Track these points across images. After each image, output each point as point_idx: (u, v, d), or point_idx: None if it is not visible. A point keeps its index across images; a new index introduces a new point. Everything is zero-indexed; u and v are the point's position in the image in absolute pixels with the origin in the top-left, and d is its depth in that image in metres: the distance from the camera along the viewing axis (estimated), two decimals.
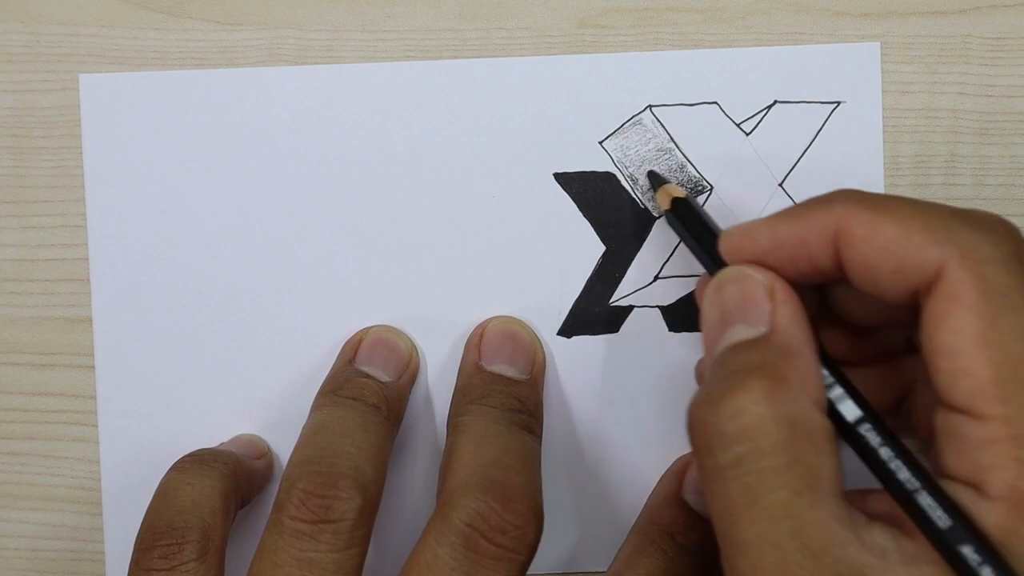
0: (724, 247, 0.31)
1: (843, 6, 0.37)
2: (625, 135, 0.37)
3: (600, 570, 0.37)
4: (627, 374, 0.37)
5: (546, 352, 0.37)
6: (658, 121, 0.37)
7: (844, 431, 0.28)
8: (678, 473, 0.35)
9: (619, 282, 0.37)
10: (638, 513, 0.35)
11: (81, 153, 0.37)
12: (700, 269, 0.37)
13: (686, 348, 0.37)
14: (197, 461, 0.34)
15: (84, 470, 0.38)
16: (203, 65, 0.37)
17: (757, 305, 0.29)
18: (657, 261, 0.37)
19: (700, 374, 0.35)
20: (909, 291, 0.27)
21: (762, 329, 0.28)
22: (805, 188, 0.37)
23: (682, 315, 0.37)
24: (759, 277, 0.29)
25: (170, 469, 0.34)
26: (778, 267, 0.29)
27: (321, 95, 0.37)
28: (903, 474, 0.27)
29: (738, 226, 0.31)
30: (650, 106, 0.37)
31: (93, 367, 0.37)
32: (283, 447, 0.36)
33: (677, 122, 0.37)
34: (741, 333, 0.29)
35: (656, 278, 0.37)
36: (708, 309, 0.30)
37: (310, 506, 0.30)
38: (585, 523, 0.37)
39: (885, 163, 0.37)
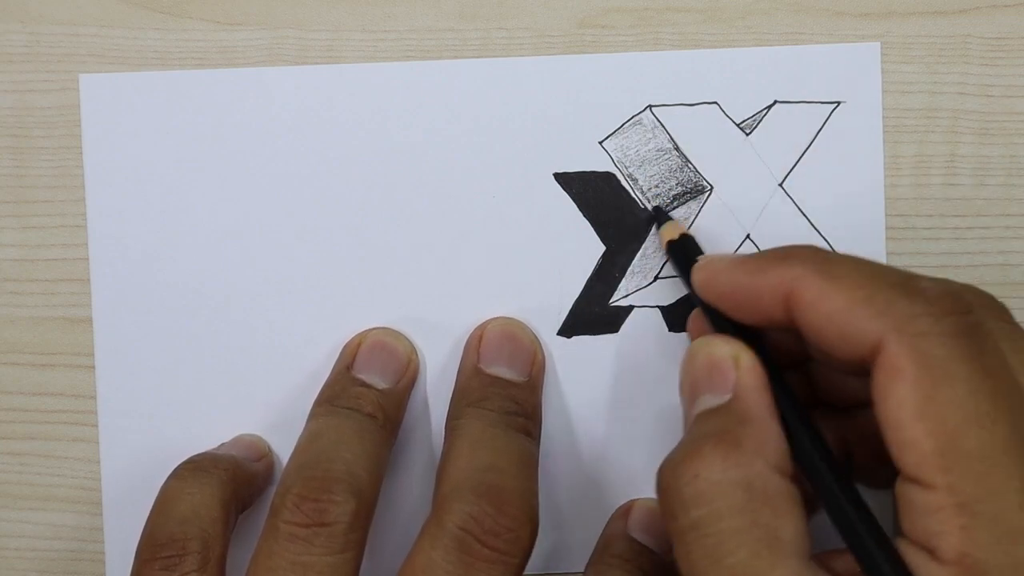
0: (695, 282, 0.32)
1: (843, 6, 0.37)
2: (625, 135, 0.37)
3: None
4: (627, 374, 0.37)
5: (546, 352, 0.37)
6: (658, 121, 0.37)
7: (813, 485, 0.29)
8: (624, 515, 0.36)
9: (619, 282, 0.37)
10: (655, 481, 0.35)
11: (81, 153, 0.37)
12: None
13: (686, 348, 0.37)
14: (196, 468, 0.34)
15: (84, 470, 0.38)
16: (203, 65, 0.37)
17: (722, 374, 0.30)
18: (657, 261, 0.37)
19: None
20: (856, 358, 0.27)
21: (726, 397, 0.29)
22: (805, 188, 0.37)
23: (682, 315, 0.37)
24: (725, 348, 0.30)
25: (169, 477, 0.34)
26: (738, 311, 0.31)
27: (321, 95, 0.37)
28: (859, 528, 0.27)
29: (706, 262, 0.32)
30: (650, 106, 0.37)
31: (93, 367, 0.37)
32: (284, 447, 0.36)
33: (677, 122, 0.37)
34: (708, 402, 0.30)
35: (656, 278, 0.37)
36: (682, 378, 0.31)
37: (304, 510, 0.30)
38: (584, 523, 0.37)
39: (885, 163, 0.37)
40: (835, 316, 0.27)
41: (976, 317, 0.27)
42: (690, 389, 0.31)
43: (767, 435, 0.28)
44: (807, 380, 0.33)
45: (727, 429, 0.28)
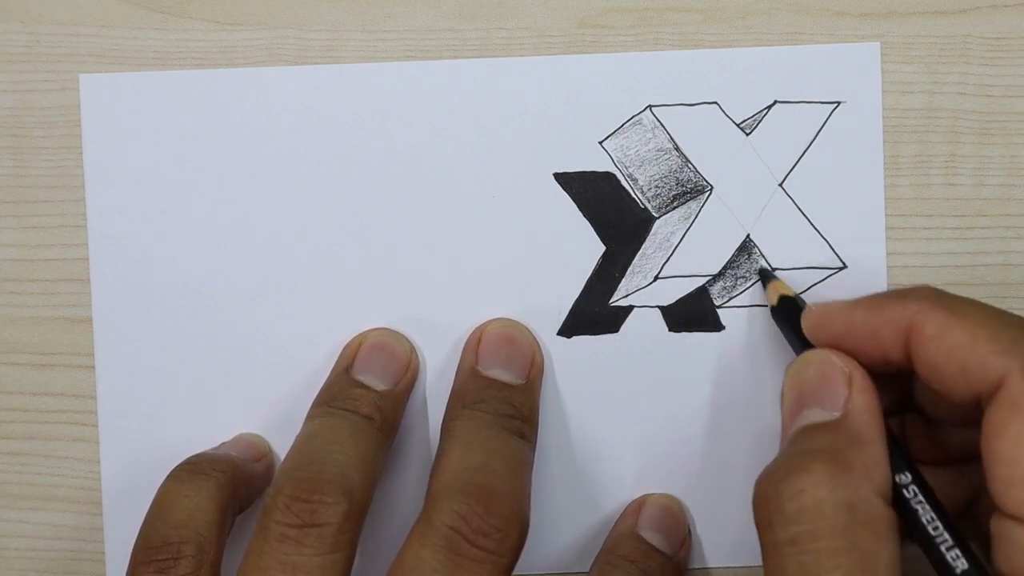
0: (805, 325, 0.32)
1: (843, 6, 0.37)
2: (625, 135, 0.37)
3: None
4: (627, 374, 0.37)
5: (546, 352, 0.37)
6: (658, 121, 0.37)
7: (907, 520, 0.29)
8: (635, 512, 0.36)
9: (619, 282, 0.37)
10: (752, 492, 0.35)
11: (81, 153, 0.37)
12: (702, 268, 0.37)
13: (686, 348, 0.37)
14: (193, 470, 0.34)
15: (84, 470, 0.38)
16: (203, 65, 0.37)
17: (834, 390, 0.30)
18: (657, 261, 0.37)
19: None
20: (973, 395, 0.28)
21: (836, 414, 0.30)
22: (805, 188, 0.37)
23: (682, 315, 0.37)
24: (839, 363, 0.30)
25: (167, 478, 0.34)
26: (853, 352, 0.31)
27: (321, 95, 0.37)
28: (957, 563, 0.28)
29: (818, 306, 0.32)
30: (650, 106, 0.37)
31: (93, 367, 0.37)
32: (284, 447, 0.36)
33: (677, 122, 0.37)
34: (815, 416, 0.30)
35: (656, 278, 0.37)
36: (788, 387, 0.31)
37: (295, 511, 0.31)
38: (584, 523, 0.37)
39: (885, 163, 0.37)
40: (957, 351, 0.28)
41: None
42: (797, 399, 0.31)
43: (876, 459, 0.28)
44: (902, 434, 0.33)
45: (836, 448, 0.28)
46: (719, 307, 0.37)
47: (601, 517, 0.37)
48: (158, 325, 0.37)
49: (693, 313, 0.37)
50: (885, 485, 0.28)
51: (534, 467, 0.34)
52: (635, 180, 0.37)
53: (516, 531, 0.30)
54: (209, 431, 0.37)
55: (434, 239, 0.37)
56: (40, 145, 0.38)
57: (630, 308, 0.37)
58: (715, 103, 0.37)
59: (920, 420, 0.33)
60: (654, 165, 0.37)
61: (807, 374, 0.31)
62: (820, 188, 0.37)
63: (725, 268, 0.37)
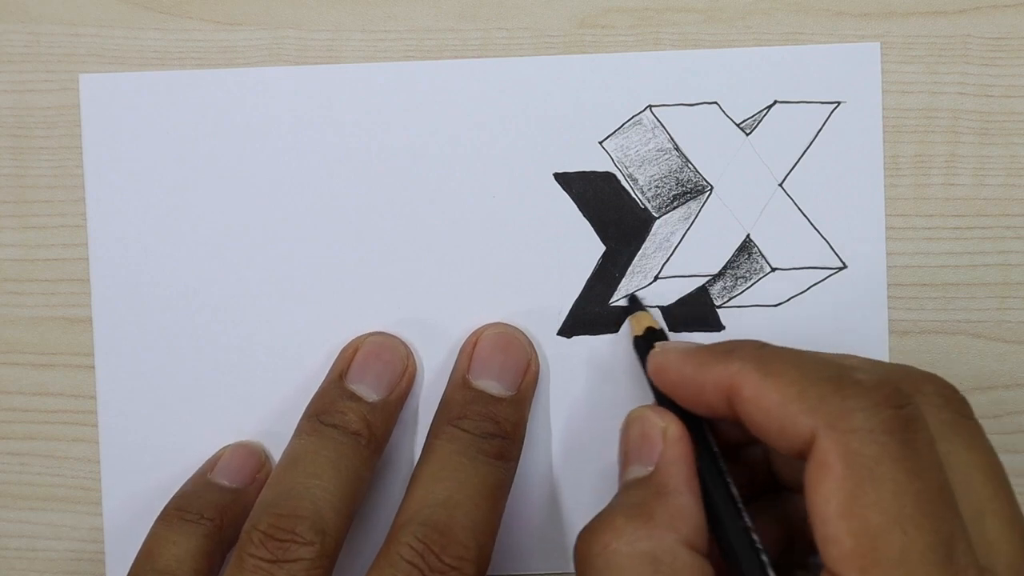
0: (649, 370, 0.33)
1: (843, 6, 0.37)
2: (625, 135, 0.37)
3: None
4: (627, 374, 0.37)
5: (546, 352, 0.37)
6: (658, 121, 0.37)
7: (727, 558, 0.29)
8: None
9: (619, 282, 0.37)
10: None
11: (81, 153, 0.37)
12: (702, 268, 0.37)
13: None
14: (183, 517, 0.34)
15: (84, 470, 0.38)
16: (203, 65, 0.37)
17: (650, 445, 0.31)
18: (657, 261, 0.37)
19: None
20: (795, 452, 0.28)
21: (650, 468, 0.30)
22: (805, 188, 0.37)
23: (682, 315, 0.37)
24: (655, 420, 0.31)
25: (157, 519, 0.35)
26: (685, 401, 0.31)
27: (321, 95, 0.37)
28: None
29: (659, 350, 0.33)
30: (650, 106, 0.37)
31: (93, 367, 0.37)
32: (282, 448, 0.36)
33: (677, 122, 0.37)
34: (634, 472, 0.31)
35: (656, 278, 0.37)
36: (619, 446, 0.32)
37: (269, 547, 0.32)
38: (582, 522, 0.37)
39: (885, 163, 0.37)
40: (771, 412, 0.28)
41: (912, 410, 0.27)
42: (623, 458, 0.32)
43: (681, 508, 0.29)
44: (763, 459, 0.33)
45: (643, 502, 0.29)
46: (719, 307, 0.37)
47: None
48: (158, 325, 0.37)
49: (693, 313, 0.37)
50: (694, 533, 0.29)
51: (531, 468, 0.34)
52: (635, 180, 0.37)
53: (472, 568, 0.31)
54: (209, 431, 0.37)
55: (434, 239, 0.37)
56: (40, 145, 0.38)
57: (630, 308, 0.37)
58: (715, 103, 0.37)
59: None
60: (654, 165, 0.37)
61: (631, 432, 0.32)
62: (820, 188, 0.37)
63: (725, 268, 0.37)
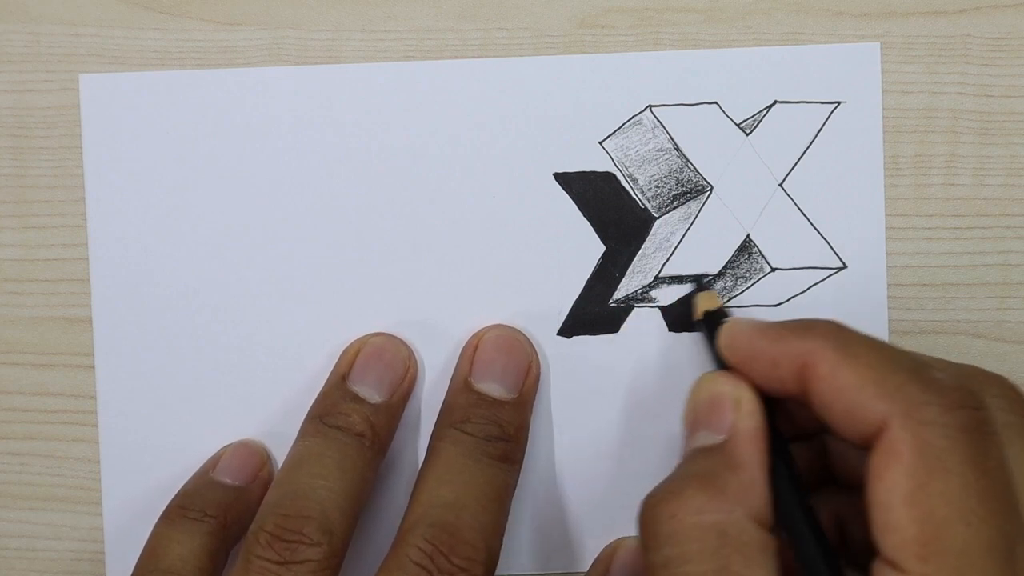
0: (720, 343, 0.32)
1: (843, 6, 0.37)
2: (625, 135, 0.37)
3: None
4: (627, 374, 0.37)
5: (546, 352, 0.37)
6: (658, 121, 0.37)
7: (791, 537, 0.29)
8: (606, 559, 0.37)
9: (619, 282, 0.37)
10: (637, 512, 0.35)
11: (81, 153, 0.37)
12: (702, 268, 0.37)
13: (686, 348, 0.37)
14: (185, 516, 0.34)
15: (84, 470, 0.38)
16: (203, 65, 0.37)
17: (721, 414, 0.30)
18: (657, 261, 0.37)
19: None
20: (859, 436, 0.28)
21: (720, 437, 0.30)
22: (805, 188, 0.37)
23: (682, 315, 0.37)
24: (728, 387, 0.31)
25: (160, 518, 0.35)
26: (757, 377, 0.31)
27: (321, 95, 0.37)
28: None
29: (731, 325, 0.32)
30: (650, 106, 0.37)
31: (93, 367, 0.37)
32: (283, 448, 0.36)
33: (677, 122, 0.37)
34: (703, 439, 0.30)
35: (656, 278, 0.37)
36: (686, 409, 0.32)
37: (276, 548, 0.32)
38: (584, 522, 0.37)
39: (885, 163, 0.37)
40: (845, 392, 0.28)
41: (986, 414, 0.27)
42: (690, 422, 0.31)
43: (751, 483, 0.29)
44: (821, 453, 0.33)
45: (714, 472, 0.29)
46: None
47: (600, 517, 0.37)
48: (158, 325, 0.37)
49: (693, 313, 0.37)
50: (762, 509, 0.28)
51: (533, 468, 0.35)
52: (635, 180, 0.37)
53: (481, 569, 0.31)
54: (209, 431, 0.37)
55: (434, 239, 0.37)
56: (40, 145, 0.38)
57: (630, 308, 0.37)
58: (715, 103, 0.37)
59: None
60: (654, 165, 0.37)
61: (700, 397, 0.31)
62: (820, 188, 0.37)
63: (725, 268, 0.37)
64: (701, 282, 0.37)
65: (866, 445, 0.28)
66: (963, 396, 0.27)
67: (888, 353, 0.28)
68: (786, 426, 0.32)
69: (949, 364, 0.30)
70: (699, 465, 0.29)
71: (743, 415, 0.30)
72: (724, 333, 0.32)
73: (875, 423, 0.27)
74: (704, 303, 0.35)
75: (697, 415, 0.31)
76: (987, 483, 0.26)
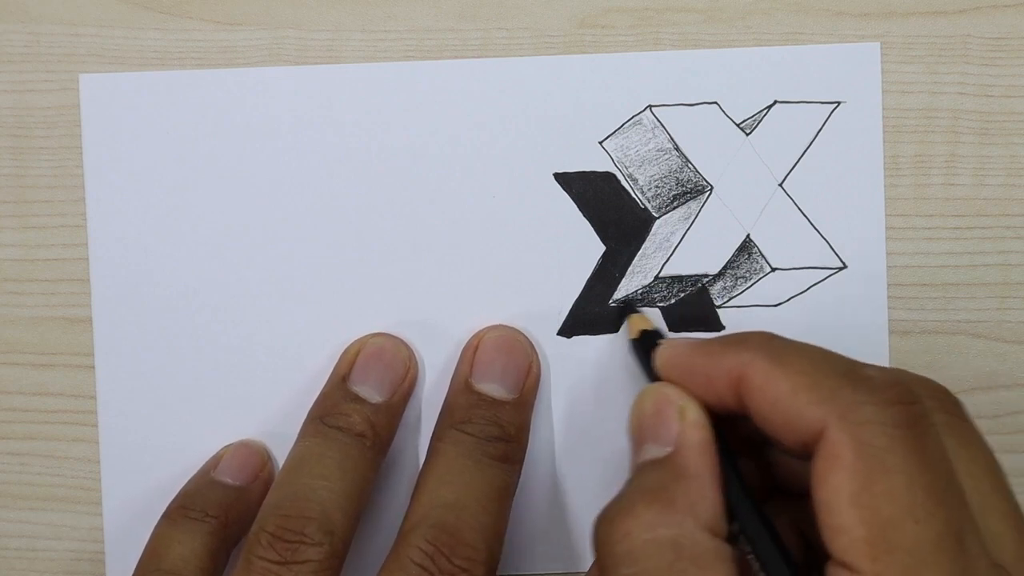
0: (657, 362, 0.32)
1: (843, 6, 0.37)
2: (625, 135, 0.37)
3: None
4: (627, 374, 0.37)
5: (546, 352, 0.37)
6: (658, 121, 0.37)
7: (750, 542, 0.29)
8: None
9: (619, 282, 0.37)
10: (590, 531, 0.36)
11: (81, 153, 0.37)
12: (702, 268, 0.37)
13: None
14: (186, 515, 0.34)
15: (84, 470, 0.38)
16: (203, 65, 0.37)
17: (667, 425, 0.30)
18: (657, 261, 0.37)
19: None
20: (800, 443, 0.28)
21: (668, 449, 0.30)
22: (805, 188, 0.37)
23: (682, 315, 0.37)
24: (673, 397, 0.31)
25: (162, 517, 0.35)
26: (696, 395, 0.31)
27: (321, 95, 0.37)
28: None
29: (667, 345, 0.32)
30: (650, 106, 0.37)
31: (93, 367, 0.37)
32: (283, 448, 0.36)
33: (677, 122, 0.37)
34: (650, 451, 0.30)
35: (656, 278, 0.37)
36: (630, 421, 0.32)
37: (277, 549, 0.32)
38: (584, 522, 0.37)
39: (885, 163, 0.37)
40: (780, 401, 0.28)
41: (921, 408, 0.27)
42: (636, 435, 0.31)
43: (701, 493, 0.29)
44: (768, 465, 0.33)
45: (663, 485, 0.29)
46: (719, 307, 0.37)
47: None
48: (158, 325, 0.37)
49: (693, 313, 0.37)
50: (713, 519, 0.28)
51: (533, 468, 0.35)
52: (635, 180, 0.37)
53: (482, 569, 0.32)
54: (209, 431, 0.37)
55: (434, 239, 0.37)
56: (40, 145, 0.38)
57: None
58: (715, 103, 0.37)
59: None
60: (654, 165, 0.37)
61: (644, 409, 0.31)
62: (820, 188, 0.37)
63: (725, 268, 0.37)
64: (632, 305, 0.37)
65: (808, 453, 0.27)
66: (898, 392, 0.27)
67: (819, 357, 0.28)
68: (731, 440, 0.32)
69: (880, 367, 0.29)
70: (647, 479, 0.29)
71: (688, 425, 0.30)
72: (660, 352, 0.32)
73: (813, 429, 0.27)
74: (638, 324, 0.36)
75: (642, 428, 0.31)
76: (931, 477, 0.26)
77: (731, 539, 0.29)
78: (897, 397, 0.27)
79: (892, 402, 0.27)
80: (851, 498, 0.26)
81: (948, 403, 0.29)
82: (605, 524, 0.29)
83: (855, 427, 0.26)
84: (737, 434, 0.32)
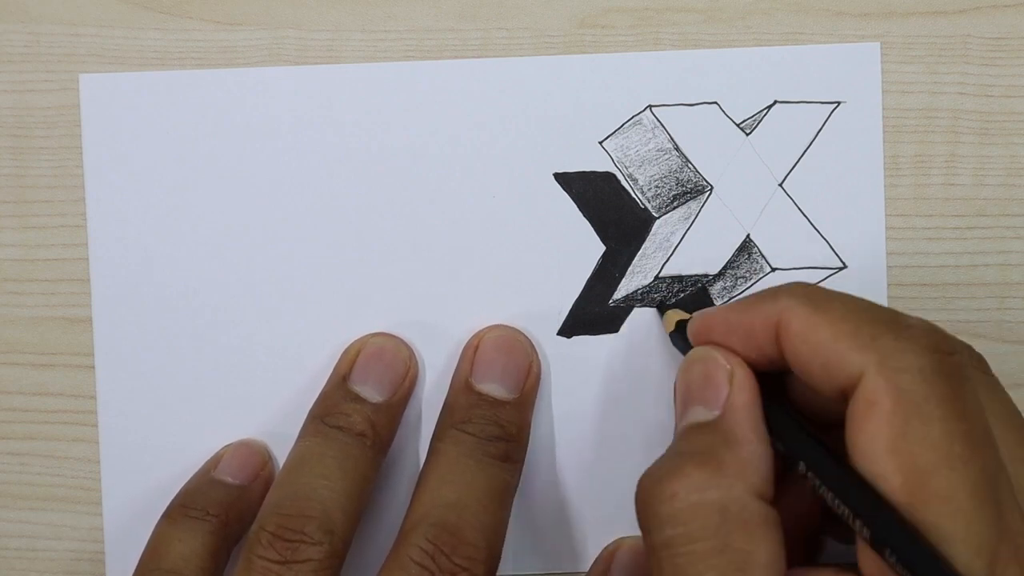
0: (690, 332, 0.32)
1: (843, 6, 0.37)
2: (625, 135, 0.37)
3: None
4: (627, 374, 0.37)
5: (546, 352, 0.37)
6: (658, 121, 0.37)
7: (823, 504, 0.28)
8: (606, 559, 0.37)
9: (619, 282, 0.37)
10: (635, 492, 0.35)
11: (81, 153, 0.37)
12: (702, 268, 0.37)
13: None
14: (187, 515, 0.35)
15: (84, 470, 0.38)
16: (203, 65, 0.37)
17: (715, 388, 0.30)
18: (657, 261, 0.37)
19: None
20: (837, 389, 0.28)
21: (716, 413, 0.30)
22: (805, 188, 0.37)
23: None
24: (721, 360, 0.30)
25: (162, 516, 0.35)
26: (736, 349, 0.31)
27: (321, 95, 0.37)
28: (864, 531, 0.27)
29: (699, 313, 0.32)
30: (650, 106, 0.37)
31: (93, 367, 0.37)
32: (284, 448, 0.36)
33: (677, 122, 0.37)
34: (697, 415, 0.30)
35: (656, 278, 0.37)
36: (677, 385, 0.31)
37: (277, 548, 0.32)
38: (584, 522, 0.37)
39: (885, 163, 0.37)
40: (820, 347, 0.28)
41: (960, 359, 0.27)
42: (683, 398, 0.31)
43: (750, 458, 0.28)
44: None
45: (711, 449, 0.29)
46: None
47: (601, 517, 0.37)
48: (158, 325, 0.37)
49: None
50: (762, 483, 0.28)
51: (534, 468, 0.35)
52: (635, 180, 0.37)
53: (482, 568, 0.32)
54: (209, 431, 0.37)
55: (434, 239, 0.37)
56: (40, 145, 0.38)
57: (630, 308, 0.37)
58: (715, 103, 0.37)
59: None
60: (654, 165, 0.37)
61: (693, 372, 0.31)
62: (820, 188, 0.37)
63: (725, 268, 0.37)
64: (661, 305, 0.37)
65: (845, 399, 0.27)
66: (937, 341, 0.27)
67: (860, 305, 0.28)
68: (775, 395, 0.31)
69: (921, 318, 0.29)
70: (695, 442, 0.29)
71: (737, 389, 0.30)
72: (693, 322, 0.32)
73: (852, 374, 0.27)
74: (674, 316, 0.36)
75: (690, 391, 0.30)
76: (967, 426, 0.26)
77: (777, 501, 0.28)
78: (936, 346, 0.27)
79: (932, 350, 0.27)
80: (888, 445, 0.26)
81: (976, 360, 0.30)
82: (650, 484, 0.28)
83: (894, 374, 0.26)
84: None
